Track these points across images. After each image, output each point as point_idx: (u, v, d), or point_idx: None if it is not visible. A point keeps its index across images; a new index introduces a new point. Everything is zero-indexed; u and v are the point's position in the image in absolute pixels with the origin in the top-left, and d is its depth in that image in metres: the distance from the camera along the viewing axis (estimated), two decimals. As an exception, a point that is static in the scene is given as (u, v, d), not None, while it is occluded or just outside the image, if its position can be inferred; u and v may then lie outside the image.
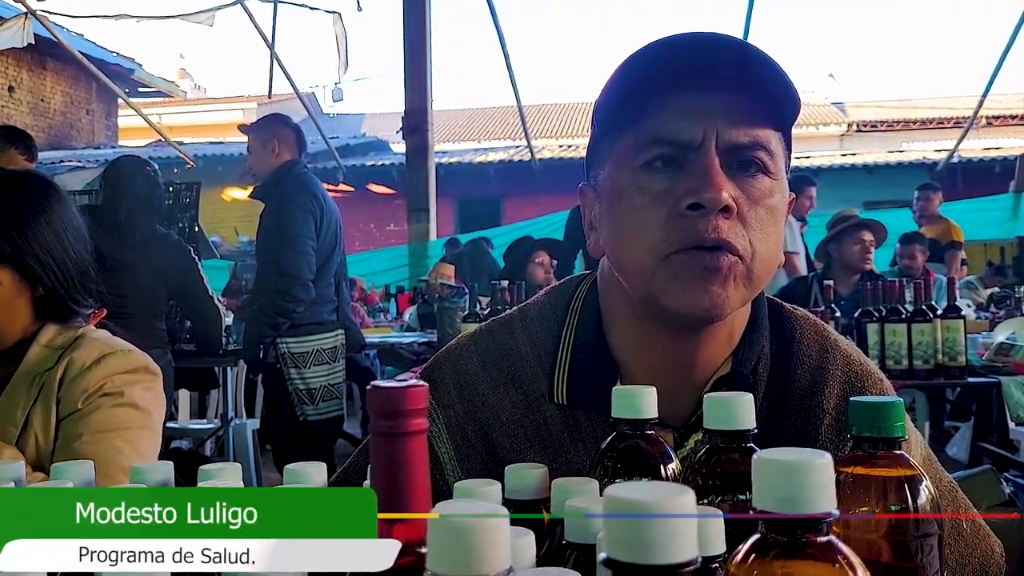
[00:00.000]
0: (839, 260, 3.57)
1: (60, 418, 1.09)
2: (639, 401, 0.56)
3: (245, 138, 3.11)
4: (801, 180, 4.58)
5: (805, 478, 0.36)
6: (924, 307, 2.69)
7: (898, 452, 0.48)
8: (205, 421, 4.15)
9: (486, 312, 3.15)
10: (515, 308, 0.86)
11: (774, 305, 0.82)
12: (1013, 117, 13.98)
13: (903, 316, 2.67)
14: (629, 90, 0.71)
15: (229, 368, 3.58)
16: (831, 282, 3.09)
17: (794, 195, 0.77)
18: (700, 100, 0.69)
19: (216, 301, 3.15)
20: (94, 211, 2.92)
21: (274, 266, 2.88)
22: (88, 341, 1.14)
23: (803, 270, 4.22)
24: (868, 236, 3.48)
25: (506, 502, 0.54)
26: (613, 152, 0.74)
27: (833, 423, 0.76)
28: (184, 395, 3.92)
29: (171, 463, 0.64)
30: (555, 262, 4.31)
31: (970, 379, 2.74)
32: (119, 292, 2.71)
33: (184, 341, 3.42)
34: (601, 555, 0.33)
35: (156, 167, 3.11)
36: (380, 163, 12.41)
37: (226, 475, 0.62)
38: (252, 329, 2.99)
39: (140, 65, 12.89)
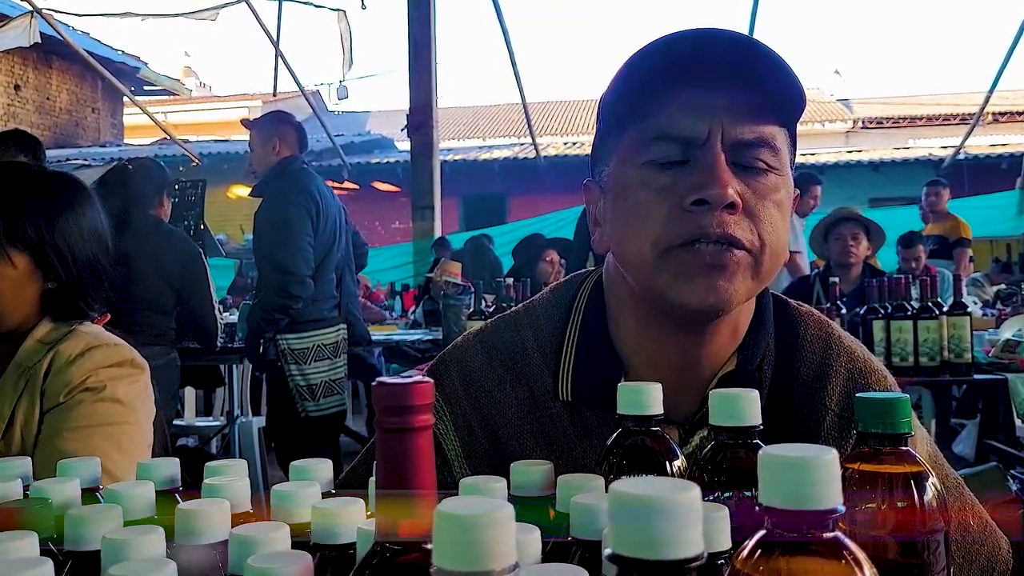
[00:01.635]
0: (830, 256, 3.58)
1: (44, 411, 1.09)
2: (644, 397, 0.56)
3: (250, 136, 3.12)
4: (807, 178, 4.57)
5: (811, 474, 0.36)
6: (930, 304, 2.68)
7: (904, 448, 0.48)
8: (211, 419, 4.17)
9: (491, 309, 3.15)
10: (520, 305, 0.87)
11: (779, 302, 0.82)
12: (1019, 113, 13.91)
13: (909, 313, 2.66)
14: (634, 86, 0.71)
15: (235, 366, 3.59)
16: (836, 279, 3.08)
17: (798, 192, 0.77)
18: (706, 96, 0.69)
19: (215, 308, 3.19)
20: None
21: (271, 263, 2.88)
22: (76, 334, 1.15)
23: (806, 269, 4.21)
24: (849, 230, 3.48)
25: (512, 498, 0.54)
26: (618, 148, 0.74)
27: (836, 420, 0.76)
28: (190, 393, 3.94)
29: (177, 460, 0.64)
30: (563, 261, 4.31)
31: (976, 376, 2.74)
32: (124, 287, 2.75)
33: (190, 339, 3.44)
34: (607, 551, 0.33)
35: (140, 161, 3.18)
36: (385, 161, 12.42)
37: (232, 471, 0.62)
38: (252, 326, 3.00)
39: (145, 63, 12.93)
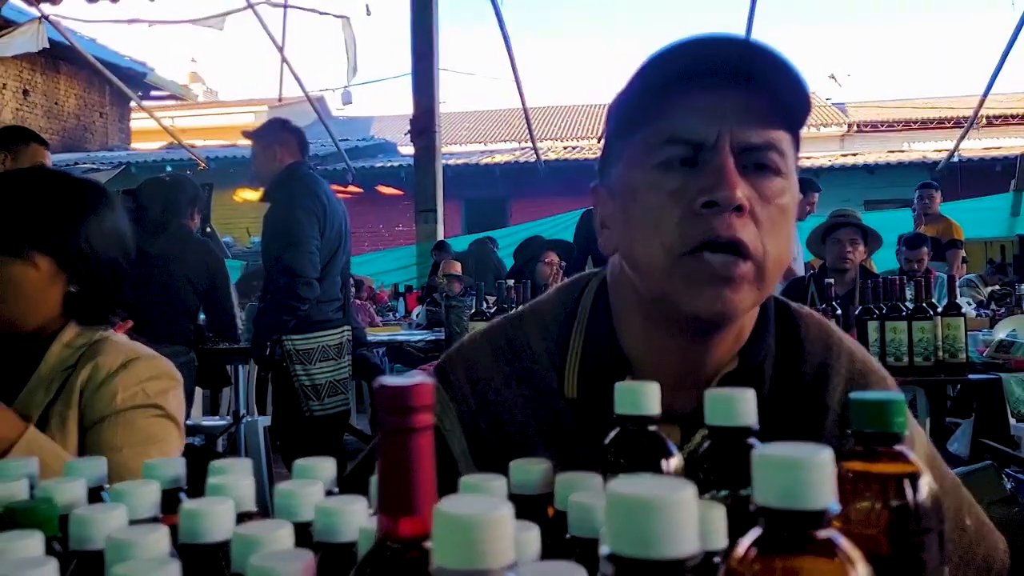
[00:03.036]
0: (826, 259, 3.59)
1: (87, 425, 1.10)
2: (641, 397, 0.56)
3: (253, 145, 3.16)
4: (806, 184, 4.55)
5: (806, 473, 0.36)
6: (924, 305, 2.68)
7: (898, 448, 0.48)
8: (217, 418, 4.19)
9: (493, 311, 3.16)
10: (526, 305, 0.87)
11: (780, 304, 0.83)
12: (1013, 117, 13.90)
13: (903, 314, 2.66)
14: (645, 90, 0.71)
15: (241, 366, 3.61)
16: (831, 280, 3.09)
17: (801, 196, 0.77)
18: (715, 100, 0.69)
19: (236, 307, 3.33)
20: (131, 211, 3.08)
21: (279, 265, 2.92)
22: (111, 345, 1.16)
23: (800, 272, 4.22)
24: (847, 236, 3.49)
25: (511, 497, 0.54)
26: (627, 151, 0.74)
27: (837, 420, 0.77)
28: (197, 392, 3.96)
29: (183, 459, 0.65)
30: (563, 263, 4.32)
31: (971, 376, 2.74)
32: (151, 286, 2.84)
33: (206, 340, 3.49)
34: (604, 549, 0.33)
35: (176, 174, 3.32)
36: (388, 165, 12.45)
37: (236, 471, 0.62)
38: (259, 327, 3.03)
39: (152, 69, 12.99)
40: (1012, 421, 2.78)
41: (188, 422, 3.71)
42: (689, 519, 0.33)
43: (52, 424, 1.09)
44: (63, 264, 1.13)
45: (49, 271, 1.12)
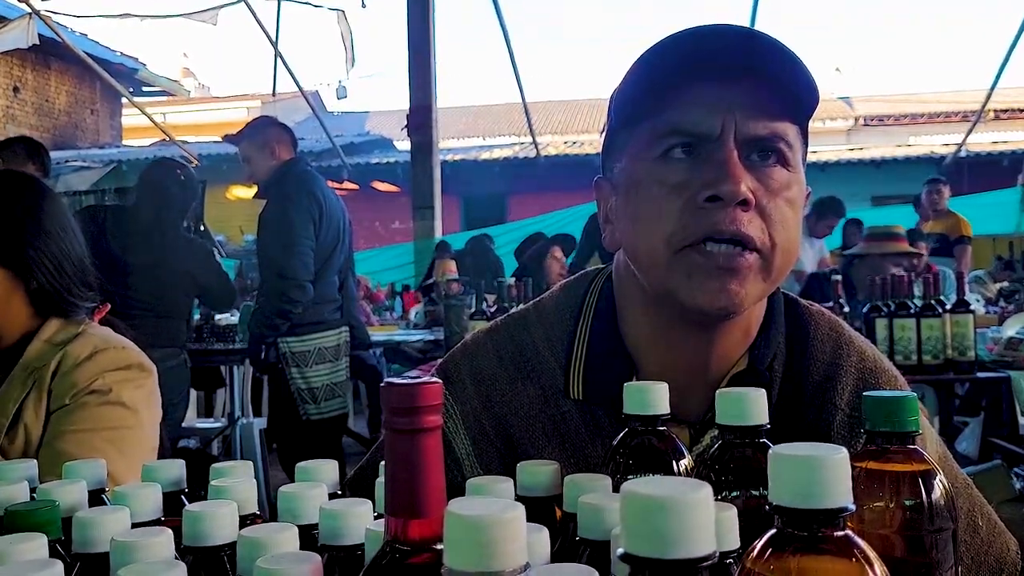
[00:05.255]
0: (856, 275, 3.53)
1: (50, 411, 1.09)
2: (651, 397, 0.56)
3: (241, 148, 3.07)
4: (831, 207, 4.53)
5: (822, 473, 0.36)
6: (933, 302, 2.67)
7: (912, 447, 0.48)
8: (212, 420, 4.17)
9: (493, 310, 3.15)
10: (530, 304, 0.87)
11: (790, 301, 0.82)
12: (1021, 110, 13.91)
13: (912, 311, 2.66)
14: (647, 82, 0.71)
15: (236, 367, 3.59)
16: (839, 277, 3.08)
17: (810, 189, 0.77)
18: (719, 92, 0.68)
19: (230, 286, 3.28)
20: (121, 212, 3.01)
21: (272, 267, 2.88)
22: (85, 336, 1.15)
23: (810, 269, 4.23)
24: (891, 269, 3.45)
25: (519, 498, 0.54)
26: (630, 144, 0.73)
27: (846, 419, 0.76)
28: (191, 394, 3.95)
29: (183, 461, 0.64)
30: (566, 259, 4.32)
31: (979, 374, 2.73)
32: (142, 291, 2.79)
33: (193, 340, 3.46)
34: (619, 550, 0.33)
35: (189, 170, 3.20)
36: (385, 161, 12.41)
37: (238, 473, 0.62)
38: (253, 330, 3.01)
39: (144, 64, 12.92)
40: (1021, 420, 2.77)
41: (183, 424, 3.68)
42: (706, 519, 0.32)
43: (25, 417, 1.09)
44: (17, 271, 1.13)
45: (5, 280, 1.12)
